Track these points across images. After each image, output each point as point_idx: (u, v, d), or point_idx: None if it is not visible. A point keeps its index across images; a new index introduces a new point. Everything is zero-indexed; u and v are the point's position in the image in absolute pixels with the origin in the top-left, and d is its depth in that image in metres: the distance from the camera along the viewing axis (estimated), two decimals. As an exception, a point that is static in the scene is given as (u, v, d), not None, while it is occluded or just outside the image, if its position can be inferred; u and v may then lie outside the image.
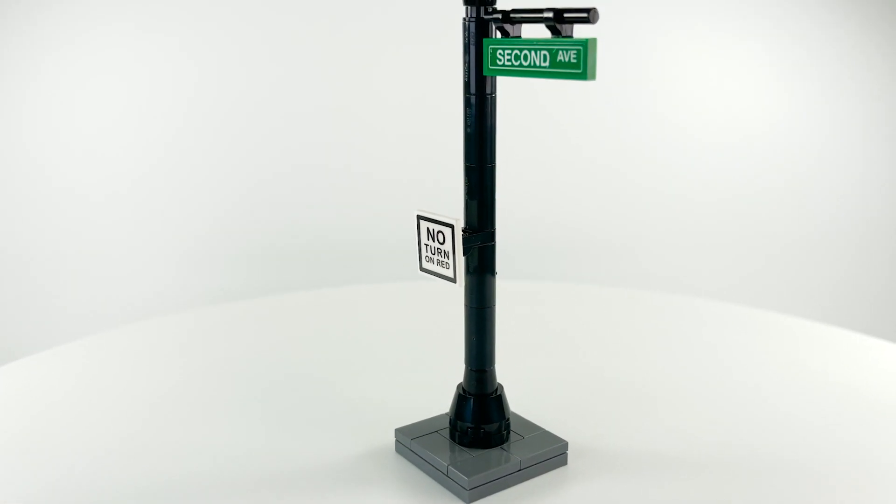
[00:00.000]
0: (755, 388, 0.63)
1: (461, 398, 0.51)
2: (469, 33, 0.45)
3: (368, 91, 1.20)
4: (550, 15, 0.40)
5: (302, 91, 1.20)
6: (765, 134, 1.24)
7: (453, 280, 0.46)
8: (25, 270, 1.20)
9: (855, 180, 1.25)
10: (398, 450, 0.53)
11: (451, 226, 0.45)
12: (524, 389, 0.58)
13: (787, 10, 1.21)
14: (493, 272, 0.49)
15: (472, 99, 0.46)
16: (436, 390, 0.60)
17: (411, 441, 0.51)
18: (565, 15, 0.40)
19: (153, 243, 1.21)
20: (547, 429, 0.53)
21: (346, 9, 1.17)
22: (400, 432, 0.53)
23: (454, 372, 0.57)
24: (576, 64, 0.39)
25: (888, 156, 1.24)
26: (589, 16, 0.38)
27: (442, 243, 0.47)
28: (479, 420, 0.50)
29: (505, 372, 0.54)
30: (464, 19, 0.46)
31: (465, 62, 0.46)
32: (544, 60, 0.40)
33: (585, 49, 0.38)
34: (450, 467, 0.48)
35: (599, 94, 1.19)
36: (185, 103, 1.19)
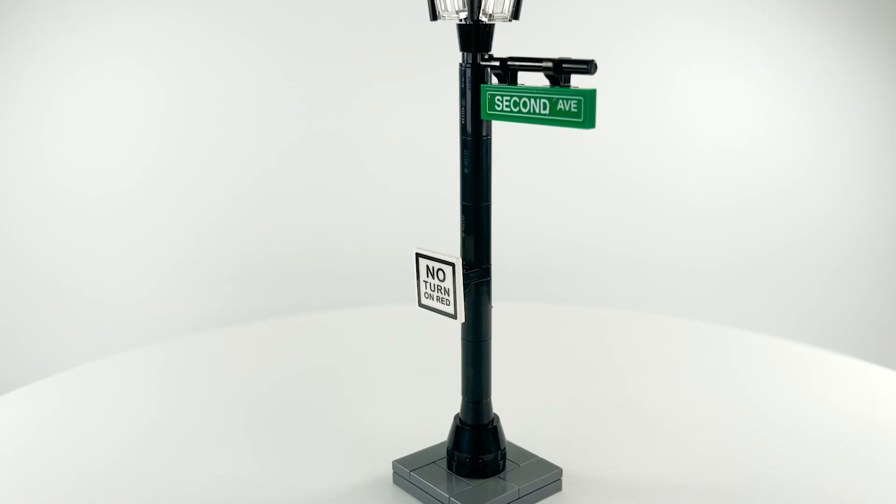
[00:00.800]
0: (753, 413, 0.64)
1: (458, 429, 0.53)
2: (465, 78, 0.47)
3: (365, 117, 1.20)
4: (550, 65, 0.42)
5: (298, 116, 1.19)
6: (762, 157, 1.26)
7: (454, 316, 0.48)
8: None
9: (861, 206, 1.27)
10: (396, 481, 0.54)
11: (452, 264, 0.47)
12: (517, 414, 0.59)
13: (779, 30, 1.23)
14: (489, 306, 0.51)
15: (469, 141, 0.48)
16: (431, 417, 0.61)
17: (410, 473, 0.53)
18: (564, 66, 0.42)
19: (137, 267, 1.19)
20: (541, 455, 0.55)
21: (341, 34, 1.18)
22: (398, 463, 0.54)
23: (450, 396, 0.58)
24: (576, 113, 0.41)
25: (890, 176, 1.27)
26: (588, 67, 0.40)
27: (442, 280, 0.48)
28: (477, 451, 0.52)
29: (498, 396, 0.55)
30: (460, 65, 0.47)
31: (461, 106, 0.48)
32: (544, 108, 0.42)
33: (587, 99, 0.40)
34: (451, 498, 0.49)
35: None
36: (169, 132, 1.18)
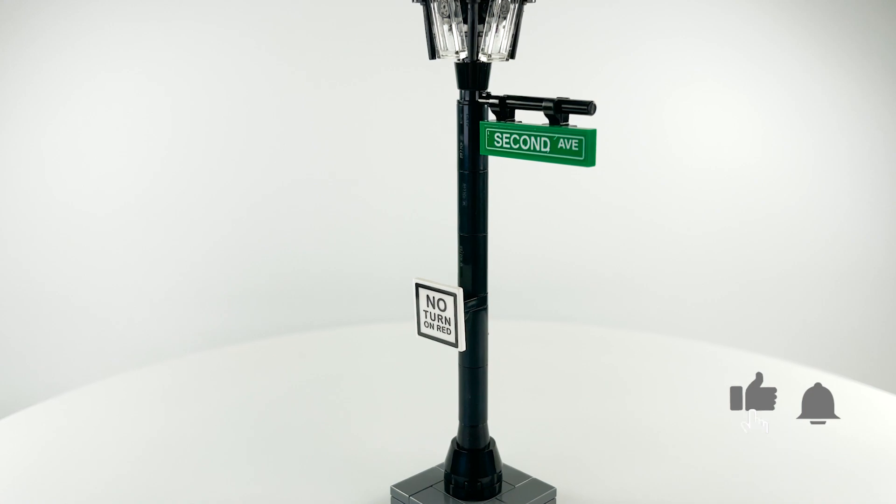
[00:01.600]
0: (751, 435, 0.64)
1: (456, 453, 0.54)
2: (463, 115, 0.49)
3: (364, 146, 1.20)
4: (550, 104, 0.44)
5: (302, 135, 1.19)
6: (758, 179, 1.26)
7: (455, 345, 0.49)
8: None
9: (860, 228, 1.29)
10: (394, 505, 0.55)
11: (454, 295, 0.48)
12: (512, 434, 0.61)
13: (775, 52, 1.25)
14: (486, 333, 0.52)
15: (466, 175, 0.50)
16: (429, 436, 0.61)
17: (409, 497, 0.54)
18: (564, 106, 0.44)
19: (139, 285, 1.17)
20: (535, 476, 0.56)
21: (339, 58, 1.18)
22: (396, 488, 0.55)
23: (447, 415, 0.59)
24: (577, 151, 0.43)
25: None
26: (588, 108, 0.42)
27: (443, 310, 0.50)
28: (474, 474, 0.53)
29: (491, 415, 0.56)
30: (458, 101, 0.49)
31: (459, 141, 0.50)
32: (545, 146, 0.44)
33: (588, 139, 0.42)
34: (453, 521, 0.51)
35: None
36: (172, 150, 1.17)
